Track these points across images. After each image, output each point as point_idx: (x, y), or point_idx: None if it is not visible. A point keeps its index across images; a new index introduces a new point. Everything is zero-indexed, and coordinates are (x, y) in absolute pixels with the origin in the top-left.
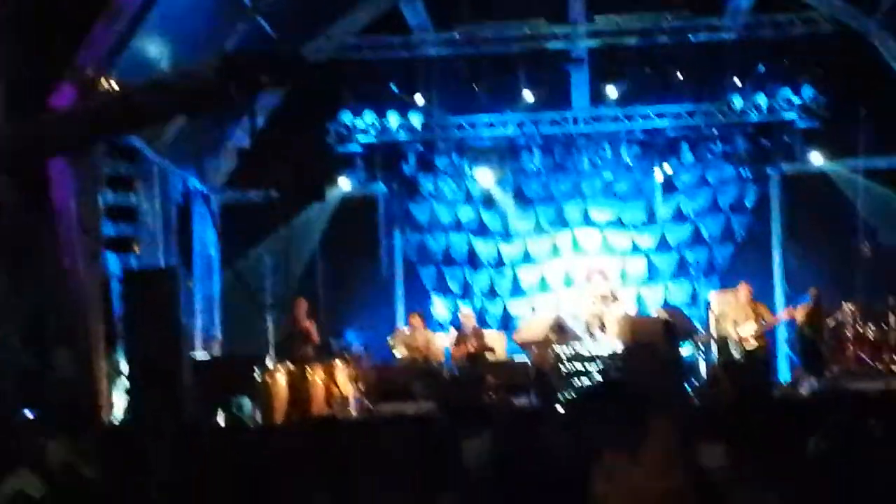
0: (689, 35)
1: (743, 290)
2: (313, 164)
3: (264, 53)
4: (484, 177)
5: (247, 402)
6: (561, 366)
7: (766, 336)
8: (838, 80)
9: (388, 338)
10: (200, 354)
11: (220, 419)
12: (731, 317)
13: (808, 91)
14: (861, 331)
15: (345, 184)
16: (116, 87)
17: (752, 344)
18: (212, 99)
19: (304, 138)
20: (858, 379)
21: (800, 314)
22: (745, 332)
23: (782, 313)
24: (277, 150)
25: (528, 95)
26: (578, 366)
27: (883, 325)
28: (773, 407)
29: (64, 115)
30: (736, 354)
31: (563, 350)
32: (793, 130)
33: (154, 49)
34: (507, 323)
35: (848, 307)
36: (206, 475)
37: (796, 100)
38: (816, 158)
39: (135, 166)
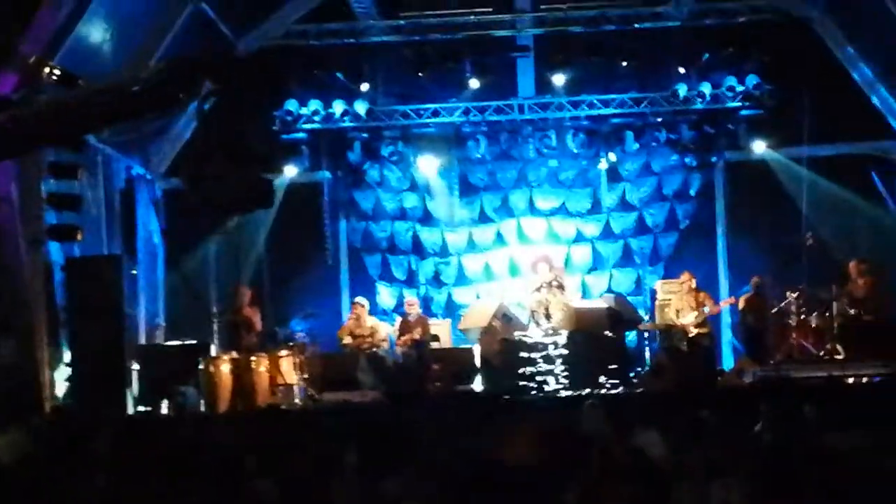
0: (635, 23)
1: (686, 279)
2: (260, 163)
3: (208, 57)
4: (429, 165)
5: (191, 391)
6: (506, 354)
7: (710, 324)
8: (783, 69)
9: (337, 332)
10: (144, 342)
11: (165, 407)
12: (675, 305)
13: (752, 79)
14: (804, 319)
15: (291, 171)
16: (58, 73)
17: (695, 332)
18: (160, 102)
19: (249, 126)
20: (801, 367)
21: (742, 302)
22: (687, 320)
23: (723, 302)
24: (222, 141)
25: (473, 83)
26: (524, 354)
27: (825, 313)
28: (717, 395)
29: (12, 118)
30: (680, 342)
31: (508, 338)
32: (737, 119)
33: (97, 35)
34: (452, 311)
35: (791, 296)
36: (150, 462)
37: (741, 88)
38: (760, 147)
39: (78, 154)
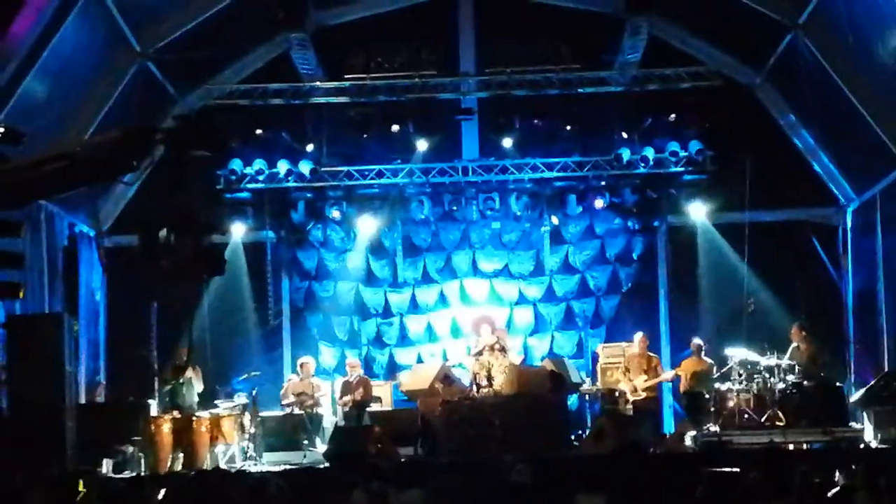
0: (578, 88)
1: (639, 341)
2: (209, 229)
3: (167, 128)
4: (372, 225)
5: (131, 451)
6: (447, 416)
7: (656, 388)
8: (725, 135)
9: (281, 391)
10: (84, 400)
11: (105, 467)
12: (626, 366)
13: (695, 145)
14: (745, 384)
15: (238, 231)
16: (2, 130)
17: (641, 395)
18: (114, 170)
19: (194, 188)
20: (741, 433)
21: (683, 367)
22: (638, 382)
23: (673, 372)
24: (169, 209)
25: (418, 145)
26: (465, 416)
27: (767, 379)
28: (655, 459)
29: None
30: (621, 405)
31: (449, 400)
32: (680, 183)
33: (43, 91)
34: (393, 372)
35: (733, 361)
36: None
37: (683, 153)
38: (702, 211)
39: (22, 211)
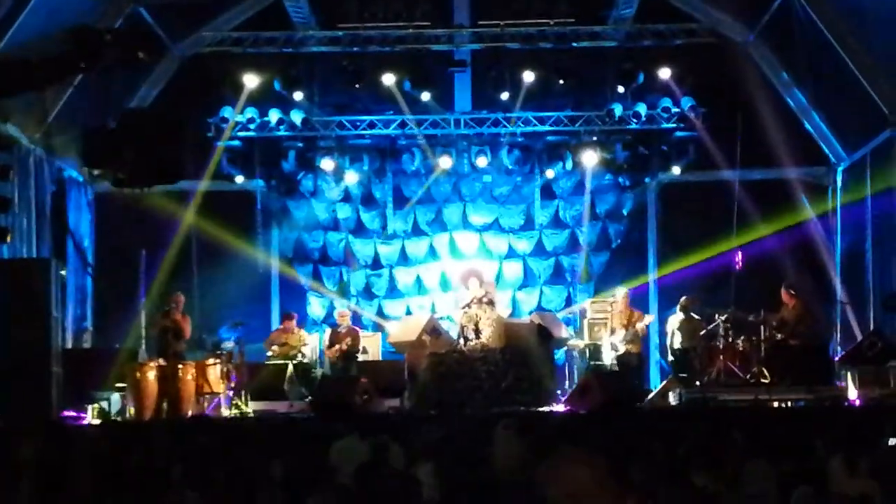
0: (572, 42)
1: (622, 297)
2: (170, 149)
3: (116, 29)
4: (361, 177)
5: (116, 397)
6: (433, 368)
7: (640, 342)
8: (718, 92)
9: (263, 342)
10: (71, 346)
11: (90, 413)
12: (610, 322)
13: (687, 101)
14: (731, 342)
15: (240, 179)
16: None
17: (624, 350)
18: (59, 71)
19: (176, 129)
20: (727, 390)
21: (670, 323)
22: (618, 337)
23: (647, 319)
24: (136, 136)
25: (415, 97)
26: (452, 369)
27: (753, 337)
28: (640, 416)
29: None
30: (608, 361)
31: (436, 352)
32: (671, 140)
33: (33, 35)
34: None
35: (720, 318)
36: (75, 469)
37: (675, 110)
38: (693, 169)
39: (10, 155)
